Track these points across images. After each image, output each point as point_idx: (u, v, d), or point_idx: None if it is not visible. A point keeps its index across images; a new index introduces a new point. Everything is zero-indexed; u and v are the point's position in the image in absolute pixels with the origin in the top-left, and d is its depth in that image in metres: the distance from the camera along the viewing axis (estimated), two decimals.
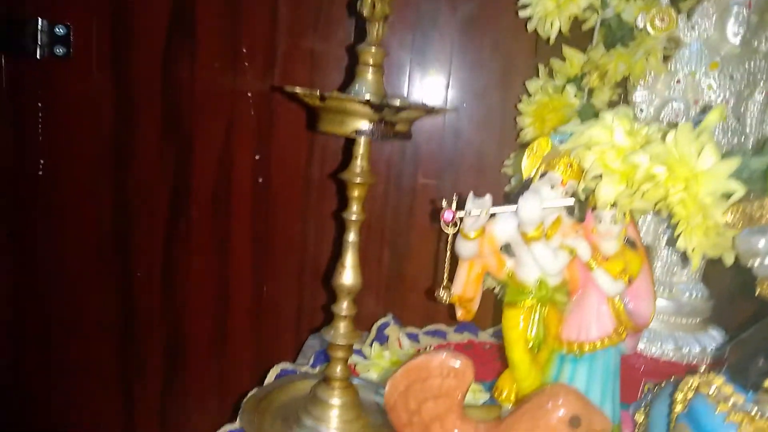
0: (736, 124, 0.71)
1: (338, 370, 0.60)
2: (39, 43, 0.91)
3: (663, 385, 0.60)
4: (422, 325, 0.89)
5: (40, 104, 0.95)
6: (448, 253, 0.54)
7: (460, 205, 0.53)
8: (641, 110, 0.74)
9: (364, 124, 0.52)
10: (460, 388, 0.45)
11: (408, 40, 0.90)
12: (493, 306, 0.85)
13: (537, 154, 0.55)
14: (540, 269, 0.56)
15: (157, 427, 1.07)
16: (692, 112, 0.71)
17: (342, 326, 0.59)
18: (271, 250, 0.97)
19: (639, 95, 0.74)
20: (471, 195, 0.54)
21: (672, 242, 0.70)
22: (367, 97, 0.52)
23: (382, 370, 0.76)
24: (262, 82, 0.92)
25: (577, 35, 0.76)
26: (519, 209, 0.53)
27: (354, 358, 0.77)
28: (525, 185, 0.55)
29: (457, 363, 0.45)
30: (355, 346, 0.76)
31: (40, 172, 0.98)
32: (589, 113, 0.71)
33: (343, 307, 0.59)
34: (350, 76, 0.57)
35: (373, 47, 0.54)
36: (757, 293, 0.46)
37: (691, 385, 0.48)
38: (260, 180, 0.95)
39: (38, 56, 0.91)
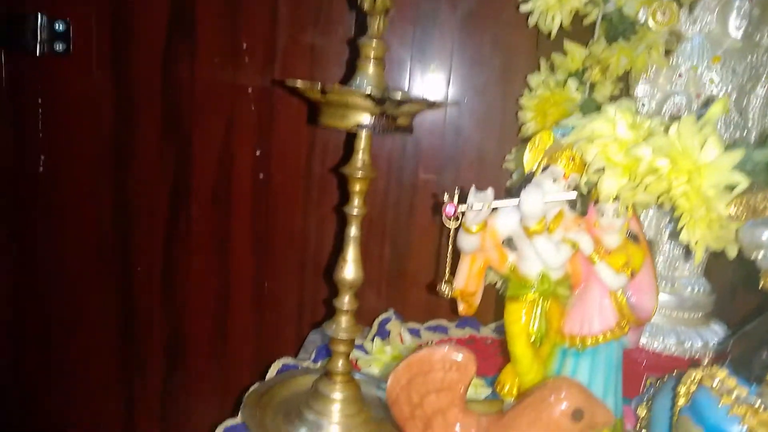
0: (738, 118, 0.71)
1: (340, 364, 0.60)
2: (39, 39, 0.91)
3: (665, 379, 0.60)
4: (424, 321, 0.89)
5: (40, 100, 0.95)
6: (450, 247, 0.54)
7: (462, 199, 0.53)
8: (643, 104, 0.74)
9: (366, 118, 0.52)
10: (463, 382, 0.45)
11: (408, 36, 0.89)
12: (495, 301, 0.85)
13: (539, 148, 0.55)
14: (542, 263, 0.55)
15: (158, 423, 1.07)
16: (694, 106, 0.71)
17: (344, 320, 0.59)
18: (271, 246, 0.97)
19: (641, 89, 0.74)
20: (473, 189, 0.54)
21: (675, 236, 0.70)
22: (369, 90, 0.52)
23: (383, 365, 0.76)
24: (263, 77, 0.91)
25: (579, 29, 0.76)
26: (521, 203, 0.53)
27: (355, 353, 0.76)
28: (527, 179, 0.55)
29: (459, 356, 0.45)
30: (357, 342, 0.76)
31: (41, 169, 0.97)
32: (590, 107, 0.71)
33: (345, 301, 0.59)
34: (351, 70, 0.56)
35: (374, 40, 0.53)
36: (760, 286, 0.46)
37: (694, 379, 0.48)
38: (261, 176, 0.95)
39: (38, 52, 0.91)
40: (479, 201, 0.53)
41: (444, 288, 0.56)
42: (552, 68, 0.80)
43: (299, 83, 0.52)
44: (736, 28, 0.69)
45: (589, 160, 0.50)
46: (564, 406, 0.43)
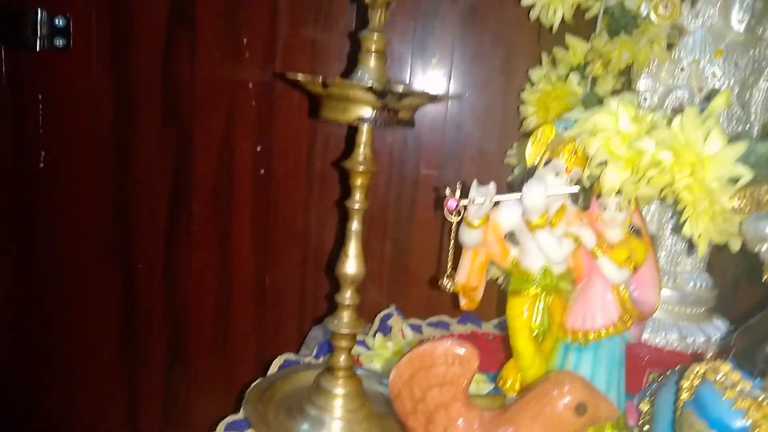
0: (740, 111, 0.70)
1: (342, 359, 0.60)
2: (39, 34, 0.90)
3: (668, 374, 0.60)
4: (425, 317, 0.89)
5: (40, 96, 0.95)
6: (452, 241, 0.54)
7: (464, 194, 0.52)
8: (645, 99, 0.73)
9: (367, 111, 0.52)
10: (465, 376, 0.45)
11: (409, 31, 0.89)
12: (497, 297, 0.85)
13: (541, 142, 0.55)
14: (544, 257, 0.55)
15: (160, 419, 1.07)
16: (696, 100, 0.71)
17: (345, 315, 0.59)
18: (273, 242, 0.97)
19: (643, 84, 0.74)
20: (475, 183, 0.53)
21: (677, 230, 0.70)
22: (370, 83, 0.52)
23: (385, 360, 0.76)
24: (263, 73, 0.91)
25: (580, 23, 0.76)
26: (523, 197, 0.52)
27: (357, 349, 0.76)
28: (529, 173, 0.55)
29: (462, 350, 0.44)
30: (359, 337, 0.76)
31: (41, 165, 0.97)
32: (592, 102, 0.71)
33: (347, 296, 0.59)
34: (352, 64, 0.56)
35: (376, 33, 0.53)
36: (763, 279, 0.46)
37: (697, 373, 0.47)
38: (262, 171, 0.95)
39: (38, 48, 0.91)
40: (481, 195, 0.53)
41: (446, 282, 0.56)
42: (554, 62, 0.80)
43: (300, 77, 0.52)
44: (738, 21, 0.69)
45: (592, 154, 0.50)
46: (567, 400, 0.43)
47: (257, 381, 0.66)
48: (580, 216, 0.56)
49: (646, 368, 0.70)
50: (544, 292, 0.56)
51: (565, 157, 0.53)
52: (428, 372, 0.45)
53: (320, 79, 0.51)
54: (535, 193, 0.52)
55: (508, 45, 0.89)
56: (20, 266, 1.03)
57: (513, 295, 0.57)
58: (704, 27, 0.71)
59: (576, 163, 0.53)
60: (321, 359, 0.75)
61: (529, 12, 0.77)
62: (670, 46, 0.71)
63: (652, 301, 0.57)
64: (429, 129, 0.92)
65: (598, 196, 0.54)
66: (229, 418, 0.61)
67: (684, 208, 0.46)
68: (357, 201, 0.57)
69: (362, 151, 0.56)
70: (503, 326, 0.81)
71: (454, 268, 0.56)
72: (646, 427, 0.58)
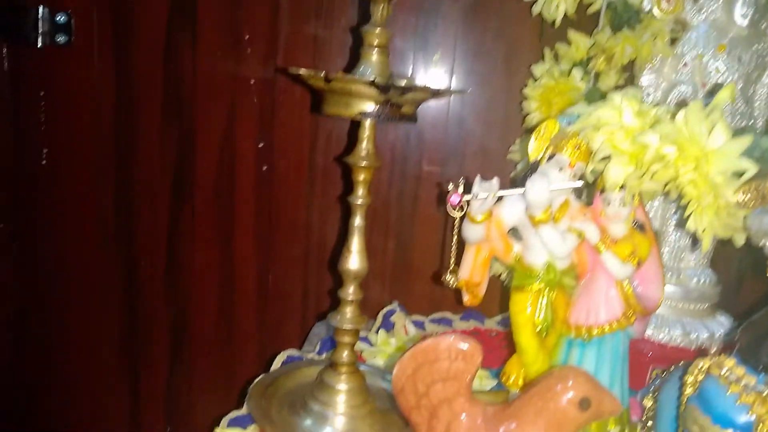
0: (744, 107, 0.70)
1: (345, 355, 0.60)
2: (40, 31, 0.90)
3: (672, 369, 0.60)
4: (428, 313, 0.88)
5: (42, 93, 0.95)
6: (455, 237, 0.54)
7: (467, 189, 0.52)
8: (648, 94, 0.73)
9: (370, 106, 0.52)
10: (469, 371, 0.45)
11: (411, 27, 0.89)
12: (500, 293, 0.85)
13: (545, 137, 0.54)
14: (548, 253, 0.55)
15: (163, 414, 1.08)
16: (700, 95, 0.71)
17: (348, 311, 0.59)
18: (275, 238, 0.97)
19: (646, 79, 0.73)
20: (478, 178, 0.53)
21: (681, 225, 0.70)
22: (373, 78, 0.52)
23: (388, 357, 0.76)
24: (265, 69, 0.91)
25: (583, 18, 0.76)
26: (527, 192, 0.52)
27: (360, 345, 0.76)
28: (532, 168, 0.55)
29: (465, 345, 0.44)
30: (361, 334, 0.76)
31: (44, 162, 0.97)
32: (595, 97, 0.71)
33: (350, 291, 0.59)
34: (354, 60, 0.56)
35: (378, 28, 0.53)
36: None
37: (701, 368, 0.47)
38: (264, 168, 0.95)
39: (39, 44, 0.91)
40: (484, 190, 0.53)
41: (449, 278, 0.56)
42: (556, 58, 0.80)
43: (303, 71, 0.51)
44: (742, 16, 0.69)
45: (595, 149, 0.49)
46: (571, 395, 0.43)
47: (260, 377, 0.66)
48: (584, 211, 0.55)
49: (650, 364, 0.70)
50: (547, 288, 0.56)
51: (568, 151, 0.53)
52: (432, 367, 0.45)
53: (323, 74, 0.51)
54: (538, 188, 0.52)
55: (511, 40, 0.88)
56: (21, 264, 1.03)
57: (516, 290, 0.57)
58: (707, 22, 0.70)
59: (579, 157, 0.53)
60: (324, 355, 0.75)
61: (531, 7, 0.76)
62: (673, 41, 0.71)
63: (656, 297, 0.57)
64: (431, 125, 0.92)
65: (602, 191, 0.54)
66: (232, 414, 0.61)
67: (688, 203, 0.46)
68: (360, 196, 0.57)
69: (365, 146, 0.56)
70: (506, 323, 0.81)
71: (457, 263, 0.56)
72: (649, 423, 0.58)
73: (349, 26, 0.88)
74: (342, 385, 0.59)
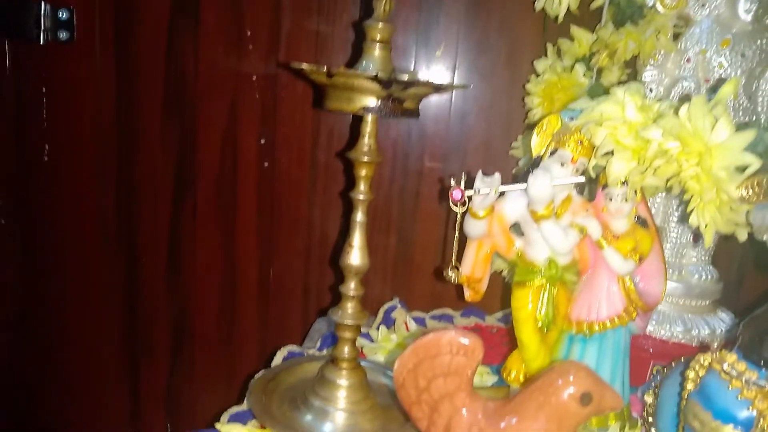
0: (747, 102, 0.70)
1: (346, 350, 0.60)
2: (42, 27, 0.90)
3: (673, 365, 0.60)
4: (429, 310, 0.88)
5: (44, 89, 0.95)
6: (457, 232, 0.54)
7: (469, 185, 0.52)
8: (651, 90, 0.73)
9: (372, 101, 0.52)
10: (470, 366, 0.45)
11: (413, 22, 0.89)
12: (501, 290, 0.85)
13: (547, 132, 0.54)
14: (550, 248, 0.55)
15: (164, 410, 1.08)
16: (703, 91, 0.70)
17: (350, 306, 0.59)
18: (277, 234, 0.97)
19: (649, 74, 0.73)
20: (480, 173, 0.53)
21: (683, 220, 0.70)
22: (375, 73, 0.52)
23: (388, 353, 0.76)
24: (267, 65, 0.91)
25: (586, 14, 0.76)
26: (529, 187, 0.52)
27: (361, 341, 0.76)
28: (535, 163, 0.55)
29: (466, 340, 0.44)
30: (362, 330, 0.76)
31: (46, 158, 0.97)
32: (598, 92, 0.70)
33: (351, 287, 0.59)
34: (357, 55, 0.56)
35: (381, 23, 0.53)
36: None
37: (703, 363, 0.47)
38: (266, 164, 0.94)
39: (41, 41, 0.91)
40: (486, 186, 0.52)
41: (450, 273, 0.56)
42: (559, 53, 0.80)
43: (305, 66, 0.51)
44: (745, 11, 0.68)
45: (598, 144, 0.49)
46: (572, 389, 0.43)
47: (261, 372, 0.66)
48: (586, 207, 0.55)
49: (651, 361, 0.70)
50: (549, 284, 0.56)
51: (570, 147, 0.53)
52: (433, 361, 0.45)
53: (325, 69, 0.50)
54: (540, 183, 0.52)
55: (514, 36, 0.88)
56: (22, 263, 1.03)
57: (518, 286, 0.57)
58: (711, 17, 0.70)
59: (582, 153, 0.53)
60: (324, 351, 0.75)
61: (534, 3, 0.76)
62: (676, 37, 0.71)
63: (658, 292, 0.57)
64: (433, 121, 0.92)
65: (604, 186, 0.54)
66: (233, 409, 0.61)
67: (691, 198, 0.46)
68: (361, 192, 0.57)
69: (367, 141, 0.56)
70: (507, 319, 0.81)
71: (459, 259, 0.56)
72: (650, 419, 0.58)
73: (351, 22, 0.88)
74: (343, 381, 0.60)
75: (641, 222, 0.55)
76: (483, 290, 0.60)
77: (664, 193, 0.72)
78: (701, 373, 0.47)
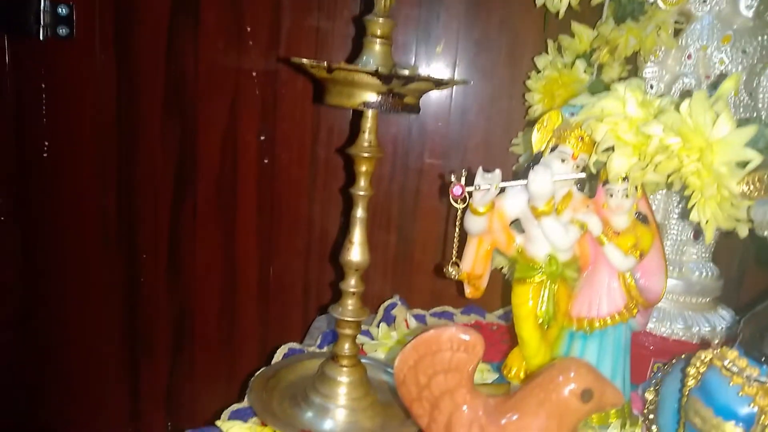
0: (748, 99, 0.69)
1: (346, 347, 0.60)
2: (42, 23, 0.90)
3: (674, 362, 0.60)
4: (429, 307, 0.88)
5: (43, 85, 0.95)
6: (457, 229, 0.54)
7: (469, 181, 0.52)
8: (651, 86, 0.72)
9: (372, 96, 0.51)
10: (471, 362, 0.45)
11: (414, 18, 0.89)
12: (502, 287, 0.85)
13: (548, 128, 0.54)
14: (550, 245, 0.55)
15: (164, 410, 1.08)
16: (704, 87, 0.70)
17: (350, 303, 0.59)
18: (277, 231, 0.97)
19: (649, 71, 0.73)
20: (480, 170, 0.53)
21: (684, 216, 0.70)
22: (376, 67, 0.51)
23: (389, 350, 0.76)
24: (267, 61, 0.91)
25: (587, 10, 0.75)
26: (529, 183, 0.52)
27: (361, 339, 0.76)
28: (535, 159, 0.54)
29: (467, 336, 0.44)
30: (363, 327, 0.76)
31: (45, 155, 0.97)
32: (599, 89, 0.70)
33: (351, 283, 0.59)
34: (357, 52, 0.56)
35: (381, 18, 0.53)
36: None
37: (704, 359, 0.47)
38: (266, 161, 0.94)
39: (41, 37, 0.91)
40: (487, 182, 0.52)
41: (451, 270, 0.55)
42: (560, 50, 0.79)
43: (305, 61, 0.51)
44: (746, 7, 0.68)
45: (599, 139, 0.49)
46: (573, 386, 0.43)
47: (261, 369, 0.66)
48: (587, 203, 0.55)
49: (651, 358, 0.70)
50: (549, 280, 0.56)
51: (571, 143, 0.53)
52: (433, 358, 0.45)
53: (325, 64, 0.50)
54: (541, 179, 0.52)
55: (514, 32, 0.88)
56: (22, 263, 1.03)
57: (518, 282, 0.57)
58: (712, 13, 0.70)
59: (582, 149, 0.53)
60: (325, 349, 0.75)
61: None
62: (677, 33, 0.71)
63: (658, 289, 0.57)
64: (433, 118, 0.92)
65: (605, 182, 0.54)
66: (234, 406, 0.61)
67: (692, 194, 0.46)
68: (361, 188, 0.57)
69: (367, 136, 0.56)
70: (507, 317, 0.81)
71: (459, 255, 0.56)
72: (651, 416, 0.58)
73: (351, 18, 0.88)
74: (343, 378, 0.59)
75: (642, 218, 0.55)
76: (483, 287, 0.59)
77: (664, 190, 0.72)
78: (702, 369, 0.47)
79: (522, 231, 0.56)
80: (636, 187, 0.52)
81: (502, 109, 0.90)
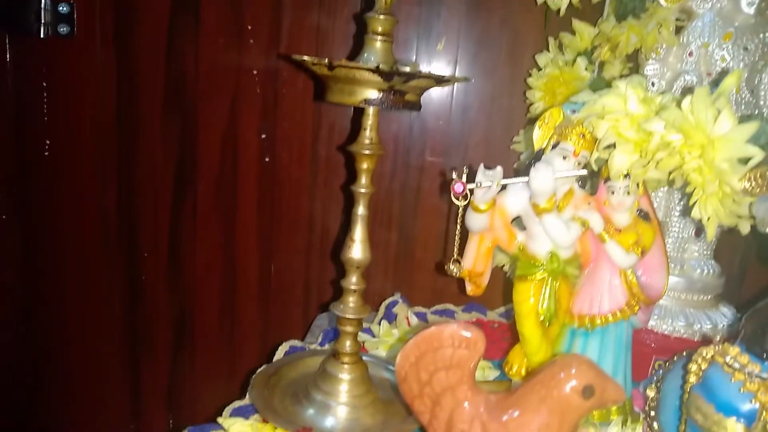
0: (749, 96, 0.69)
1: (348, 344, 0.60)
2: (42, 21, 0.90)
3: (675, 359, 0.60)
4: (430, 305, 0.88)
5: (44, 84, 0.95)
6: (459, 226, 0.54)
7: (471, 178, 0.52)
8: (653, 83, 0.72)
9: (373, 93, 0.51)
10: (472, 359, 0.45)
11: (415, 16, 0.88)
12: (503, 285, 0.85)
13: (549, 125, 0.54)
14: (552, 242, 0.55)
15: (165, 408, 1.08)
16: (705, 84, 0.70)
17: (351, 300, 0.59)
18: (278, 229, 0.97)
19: (650, 68, 0.73)
20: (482, 167, 0.53)
21: (686, 213, 0.70)
22: (376, 65, 0.51)
23: (390, 348, 0.76)
24: (267, 59, 0.91)
25: (588, 8, 0.75)
26: (531, 180, 0.52)
27: (363, 336, 0.76)
28: (537, 156, 0.54)
29: (468, 333, 0.44)
30: (364, 325, 0.76)
31: (46, 153, 0.97)
32: (600, 86, 0.70)
33: (353, 281, 0.59)
34: (358, 49, 0.56)
35: (382, 15, 0.53)
36: None
37: (705, 356, 0.47)
38: (266, 159, 0.94)
39: (42, 35, 0.91)
40: (488, 179, 0.52)
41: (452, 267, 0.55)
42: (561, 47, 0.79)
43: (306, 58, 0.51)
44: (748, 4, 0.68)
45: (600, 136, 0.49)
46: (574, 382, 0.43)
47: (263, 367, 0.66)
48: (588, 200, 0.55)
49: (653, 355, 0.70)
50: (550, 277, 0.56)
51: (573, 140, 0.53)
52: (435, 355, 0.45)
53: (326, 61, 0.50)
54: (542, 176, 0.51)
55: (515, 30, 0.88)
56: (22, 262, 1.03)
57: (520, 280, 0.57)
58: (713, 10, 0.70)
59: (584, 146, 0.53)
60: (326, 346, 0.75)
61: None
62: (678, 30, 0.71)
63: (660, 286, 0.57)
64: (434, 116, 0.92)
65: (606, 179, 0.53)
66: (235, 404, 0.61)
67: (693, 191, 0.45)
68: (363, 185, 0.57)
69: (368, 134, 0.55)
70: (508, 314, 0.81)
71: (461, 253, 0.56)
72: (652, 413, 0.58)
73: (352, 15, 0.88)
74: (345, 375, 0.59)
75: (643, 215, 0.55)
76: (484, 284, 0.59)
77: (666, 187, 0.72)
78: (704, 365, 0.47)
79: (523, 228, 0.56)
80: (637, 184, 0.52)
81: (503, 107, 0.90)
